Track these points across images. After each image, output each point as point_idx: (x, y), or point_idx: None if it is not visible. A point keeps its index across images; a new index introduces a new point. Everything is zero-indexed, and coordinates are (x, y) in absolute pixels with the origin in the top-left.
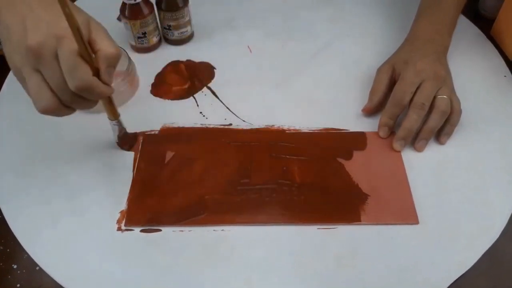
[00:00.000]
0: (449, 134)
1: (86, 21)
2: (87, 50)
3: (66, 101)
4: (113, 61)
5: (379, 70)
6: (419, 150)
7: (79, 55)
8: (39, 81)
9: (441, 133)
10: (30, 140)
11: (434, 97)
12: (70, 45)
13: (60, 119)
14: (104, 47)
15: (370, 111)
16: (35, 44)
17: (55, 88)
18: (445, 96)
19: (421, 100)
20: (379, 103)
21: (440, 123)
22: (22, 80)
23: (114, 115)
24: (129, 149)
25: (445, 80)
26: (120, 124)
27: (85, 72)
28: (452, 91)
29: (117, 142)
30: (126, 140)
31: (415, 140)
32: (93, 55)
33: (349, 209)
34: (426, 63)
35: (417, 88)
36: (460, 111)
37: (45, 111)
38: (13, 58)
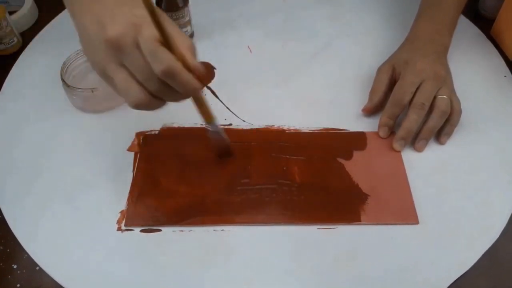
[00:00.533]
0: (449, 134)
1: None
2: (167, 36)
3: (154, 90)
4: (194, 51)
5: (379, 70)
6: (419, 150)
7: (160, 41)
8: (125, 76)
9: (441, 133)
10: (30, 140)
11: (434, 97)
12: (149, 30)
13: (60, 119)
14: (179, 38)
15: (370, 111)
16: (114, 35)
17: (141, 79)
18: (445, 96)
19: (421, 100)
20: (379, 103)
21: (440, 123)
22: (109, 79)
23: (207, 117)
24: (224, 157)
25: (445, 80)
26: (215, 128)
27: (168, 56)
28: (452, 91)
29: (217, 152)
30: (222, 148)
31: (415, 140)
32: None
33: (349, 209)
34: (426, 63)
35: (417, 88)
36: (460, 111)
37: (137, 105)
38: (96, 58)
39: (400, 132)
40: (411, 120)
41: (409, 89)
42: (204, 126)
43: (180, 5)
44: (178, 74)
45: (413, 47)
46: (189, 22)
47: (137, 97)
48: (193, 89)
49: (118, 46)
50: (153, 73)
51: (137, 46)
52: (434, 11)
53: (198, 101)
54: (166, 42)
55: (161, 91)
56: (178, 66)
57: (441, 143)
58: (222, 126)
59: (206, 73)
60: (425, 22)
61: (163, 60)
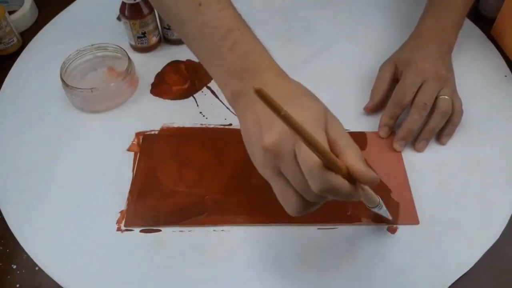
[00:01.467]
0: (450, 135)
1: (322, 114)
2: (327, 154)
3: (312, 200)
4: (362, 158)
5: (381, 68)
6: (420, 150)
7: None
8: (283, 186)
9: (442, 134)
10: (30, 140)
11: (436, 98)
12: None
13: (60, 120)
14: (349, 157)
15: (372, 110)
16: (271, 144)
17: (299, 189)
18: (446, 97)
19: (423, 100)
20: (381, 102)
21: (441, 124)
22: (268, 178)
23: (371, 203)
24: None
25: (446, 80)
26: (379, 210)
27: (325, 176)
28: (454, 91)
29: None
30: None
31: (416, 141)
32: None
33: (349, 209)
34: (428, 62)
35: (419, 88)
36: (461, 112)
37: (296, 214)
38: (256, 159)
39: (401, 132)
40: (413, 121)
41: (410, 89)
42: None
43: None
44: (339, 191)
45: (417, 45)
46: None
47: (295, 208)
48: (356, 198)
49: (275, 155)
50: (309, 187)
51: (295, 157)
52: (441, 9)
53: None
54: (326, 161)
55: (318, 200)
56: (337, 184)
57: (442, 144)
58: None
59: (206, 73)
60: (431, 19)
61: (323, 181)
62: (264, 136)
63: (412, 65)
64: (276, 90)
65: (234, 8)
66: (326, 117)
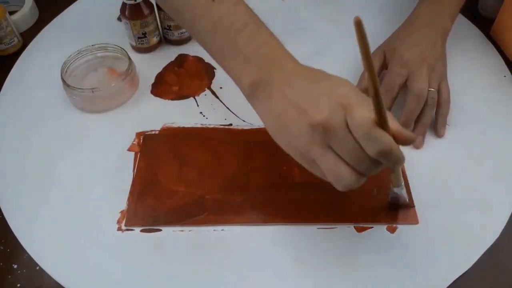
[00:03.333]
0: (444, 125)
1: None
2: (383, 113)
3: (364, 170)
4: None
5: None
6: (418, 146)
7: (374, 121)
8: (334, 159)
9: (436, 127)
10: (30, 140)
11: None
12: (361, 111)
13: (60, 120)
14: (390, 121)
15: None
16: (323, 119)
17: (351, 160)
18: (432, 89)
19: (417, 88)
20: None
21: (432, 115)
22: (310, 162)
23: (398, 182)
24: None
25: (434, 67)
26: (400, 193)
27: (385, 136)
28: (442, 78)
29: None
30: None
31: None
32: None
33: (349, 209)
34: (414, 52)
35: (408, 78)
36: (448, 100)
37: (348, 188)
38: (295, 144)
39: (400, 121)
40: (409, 110)
41: (396, 81)
42: (395, 190)
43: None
44: (394, 152)
45: (406, 33)
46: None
47: (349, 182)
48: (401, 161)
49: (327, 129)
50: (364, 154)
51: (347, 127)
52: None
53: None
54: (380, 119)
55: (371, 170)
56: (394, 144)
57: (441, 135)
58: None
59: (206, 73)
60: (427, 3)
61: (380, 141)
62: (311, 114)
63: (397, 56)
64: (301, 75)
65: (246, 4)
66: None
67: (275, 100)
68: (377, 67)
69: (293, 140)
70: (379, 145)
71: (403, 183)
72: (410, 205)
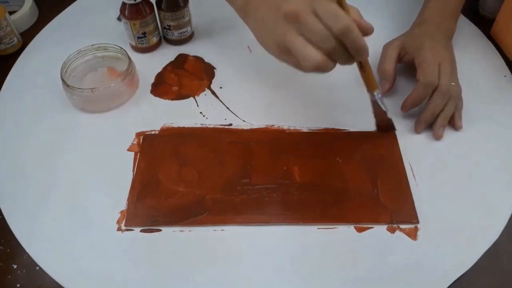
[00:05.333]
0: (460, 118)
1: None
2: (342, 2)
3: (330, 50)
4: (360, 14)
5: (388, 46)
6: (440, 137)
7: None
8: (303, 42)
9: (454, 119)
10: (30, 140)
11: None
12: None
13: (60, 120)
14: (351, 12)
15: (390, 90)
16: (292, 8)
17: (319, 40)
18: (453, 83)
19: (445, 84)
20: (394, 80)
21: (453, 109)
22: (286, 53)
23: (370, 84)
24: (383, 130)
25: (452, 65)
26: (375, 98)
27: (346, 15)
28: (456, 76)
29: (377, 124)
30: (382, 120)
31: (435, 128)
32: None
33: (349, 209)
34: (440, 47)
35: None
36: (461, 97)
37: (315, 67)
38: (274, 37)
39: (424, 115)
40: (435, 105)
41: (436, 71)
42: (373, 95)
43: (181, 5)
44: (355, 31)
45: (423, 31)
46: (189, 22)
47: (316, 58)
48: (364, 47)
49: (296, 17)
50: (329, 34)
51: (314, 13)
52: None
53: (364, 66)
54: (341, 6)
55: (335, 51)
56: (354, 24)
57: (459, 128)
58: (382, 97)
59: (206, 73)
60: (433, 7)
61: (342, 19)
62: (284, 7)
63: (428, 49)
64: None
65: None
66: None
67: (260, 8)
68: (395, 56)
69: (272, 34)
70: (342, 21)
71: (378, 89)
72: (385, 115)
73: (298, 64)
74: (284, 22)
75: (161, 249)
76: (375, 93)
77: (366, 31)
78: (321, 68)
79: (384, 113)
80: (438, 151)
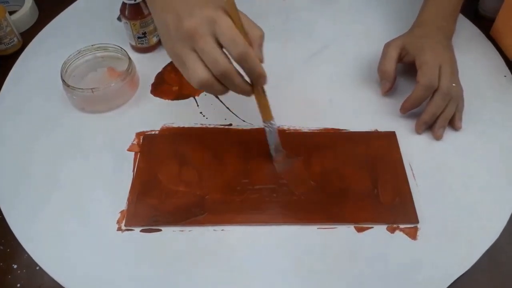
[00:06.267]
0: (461, 119)
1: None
2: (242, 27)
3: (218, 74)
4: (261, 41)
5: (388, 46)
6: (440, 137)
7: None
8: (195, 58)
9: (454, 120)
10: (30, 140)
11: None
12: (226, 21)
13: (60, 120)
14: (250, 28)
15: (390, 90)
16: (191, 26)
17: (209, 62)
18: (454, 84)
19: (446, 85)
20: (394, 81)
21: (453, 110)
22: (181, 65)
23: (266, 113)
24: (281, 165)
25: (452, 66)
26: (272, 128)
27: (244, 41)
28: (457, 77)
29: (270, 153)
30: (279, 153)
31: (435, 128)
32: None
33: (349, 209)
34: (441, 48)
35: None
36: (463, 97)
37: (200, 83)
38: (173, 48)
39: (424, 116)
40: (436, 106)
41: (436, 73)
42: (267, 124)
43: None
44: (250, 58)
45: (424, 32)
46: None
47: (201, 76)
48: (260, 74)
49: (193, 34)
50: (218, 59)
51: (211, 34)
52: None
53: (260, 95)
54: (240, 30)
55: (225, 76)
56: (251, 50)
57: (458, 128)
58: (276, 127)
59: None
60: (432, 8)
61: (240, 45)
62: (184, 22)
63: (429, 51)
64: None
65: None
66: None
67: (166, 11)
68: (395, 56)
69: (171, 42)
70: (239, 48)
71: (273, 120)
72: (279, 149)
73: (188, 77)
74: (183, 35)
75: (161, 249)
76: (268, 124)
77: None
78: (207, 88)
79: (270, 145)
80: (438, 151)
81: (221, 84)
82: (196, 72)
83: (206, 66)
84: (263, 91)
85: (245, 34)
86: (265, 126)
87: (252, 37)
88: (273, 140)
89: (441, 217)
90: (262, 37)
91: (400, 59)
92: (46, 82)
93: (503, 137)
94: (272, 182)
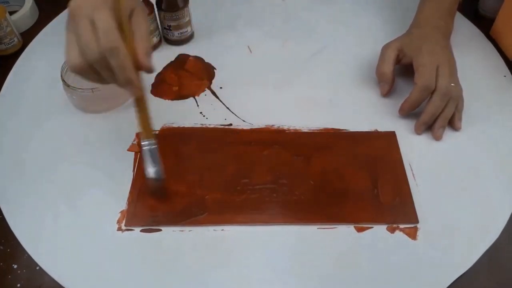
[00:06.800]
0: (460, 119)
1: (132, 6)
2: (129, 30)
3: (91, 61)
4: (149, 50)
5: (386, 48)
6: (439, 138)
7: (117, 26)
8: (71, 40)
9: (454, 120)
10: (30, 140)
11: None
12: (107, 12)
13: (60, 120)
14: (140, 37)
15: (389, 92)
16: (73, 6)
17: (81, 46)
18: (453, 84)
19: (445, 85)
20: (393, 82)
21: (453, 110)
22: (65, 35)
23: (146, 130)
24: (155, 195)
25: (451, 66)
26: (152, 147)
27: (117, 38)
28: (456, 76)
29: (147, 177)
30: (157, 182)
31: (434, 129)
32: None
33: (349, 209)
34: (439, 49)
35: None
36: (462, 97)
37: (72, 67)
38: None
39: (424, 117)
40: (435, 106)
41: (433, 74)
42: (146, 143)
43: (180, 5)
44: (119, 57)
45: (422, 33)
46: (189, 23)
47: (73, 60)
48: (128, 79)
49: (73, 15)
50: (90, 45)
51: (88, 19)
52: None
53: (140, 105)
54: (121, 29)
55: (98, 64)
56: (122, 50)
57: (458, 128)
58: (153, 150)
59: (206, 73)
60: (430, 8)
61: (111, 40)
62: (71, 1)
63: (426, 52)
64: None
65: None
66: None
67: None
68: (393, 58)
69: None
70: (110, 42)
71: (155, 138)
72: (157, 181)
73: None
74: (69, 16)
75: (161, 249)
76: (146, 142)
77: (142, 67)
78: (79, 73)
79: (149, 168)
80: (438, 151)
81: (94, 72)
82: (70, 55)
83: (79, 50)
84: (144, 103)
85: (130, 36)
86: (143, 146)
87: (138, 43)
88: (154, 162)
89: (441, 217)
90: (149, 47)
91: (398, 61)
92: (46, 82)
93: (503, 137)
94: (272, 182)
